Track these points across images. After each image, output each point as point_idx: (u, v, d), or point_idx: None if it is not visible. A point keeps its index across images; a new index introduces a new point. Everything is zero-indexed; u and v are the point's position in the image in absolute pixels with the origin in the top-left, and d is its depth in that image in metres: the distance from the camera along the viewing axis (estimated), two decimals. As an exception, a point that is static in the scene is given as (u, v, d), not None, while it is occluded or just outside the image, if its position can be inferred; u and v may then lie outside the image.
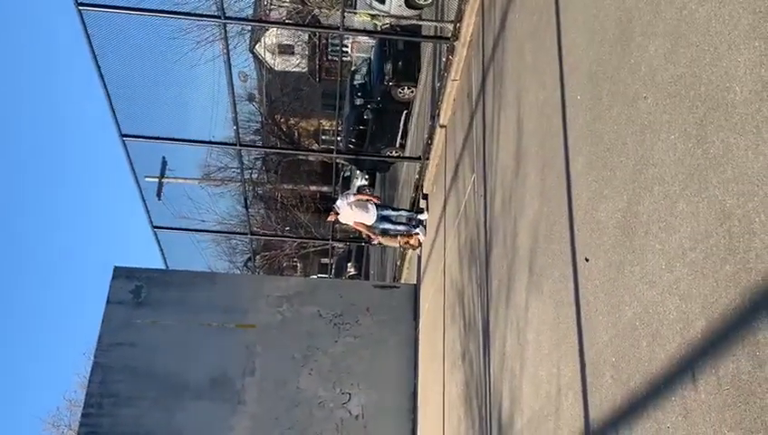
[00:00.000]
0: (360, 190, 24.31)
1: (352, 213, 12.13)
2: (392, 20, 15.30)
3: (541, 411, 5.46)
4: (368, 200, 12.44)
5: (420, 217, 12.66)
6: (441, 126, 11.76)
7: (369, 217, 12.19)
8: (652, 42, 3.96)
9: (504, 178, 7.25)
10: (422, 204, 13.17)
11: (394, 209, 13.21)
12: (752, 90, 3.00)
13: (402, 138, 17.67)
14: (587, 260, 4.65)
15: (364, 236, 13.06)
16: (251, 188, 23.62)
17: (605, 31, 4.69)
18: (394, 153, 17.85)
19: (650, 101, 3.93)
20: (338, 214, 12.18)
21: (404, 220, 12.94)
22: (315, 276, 32.27)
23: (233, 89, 11.79)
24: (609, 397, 4.18)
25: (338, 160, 19.53)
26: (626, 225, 4.11)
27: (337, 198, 12.60)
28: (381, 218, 12.28)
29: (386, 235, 12.91)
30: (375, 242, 13.14)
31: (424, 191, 13.15)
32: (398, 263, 15.68)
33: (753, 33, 3.01)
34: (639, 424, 3.77)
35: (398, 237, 12.94)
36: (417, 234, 12.71)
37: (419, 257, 13.15)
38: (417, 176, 13.32)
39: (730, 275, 3.05)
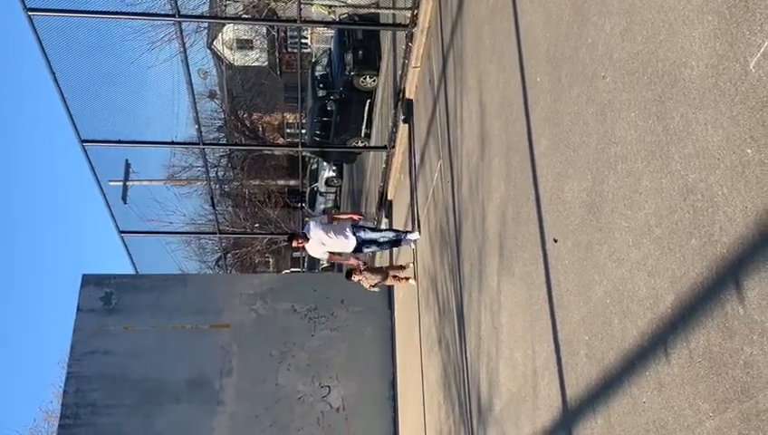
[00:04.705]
0: (328, 182, 24.16)
1: (328, 241, 9.84)
2: (350, 9, 15.22)
3: (518, 393, 5.49)
4: (346, 220, 10.13)
5: (410, 236, 10.48)
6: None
7: (347, 243, 9.94)
8: (608, 20, 3.97)
9: (469, 162, 7.25)
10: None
11: (375, 230, 10.61)
12: (707, 64, 3.01)
13: (367, 127, 17.63)
14: (555, 241, 4.67)
15: (350, 266, 10.80)
16: (217, 186, 23.44)
17: (561, 11, 4.69)
18: (360, 143, 17.81)
19: (609, 79, 3.94)
20: (307, 239, 9.89)
21: (391, 239, 10.57)
22: (288, 271, 32.15)
23: (192, 87, 11.62)
24: (584, 375, 4.21)
25: (304, 154, 19.43)
26: (592, 204, 4.13)
27: (306, 219, 11.10)
28: (363, 243, 10.00)
29: (371, 269, 10.96)
30: (358, 280, 10.71)
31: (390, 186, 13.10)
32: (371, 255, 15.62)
33: (707, 7, 3.03)
34: (616, 400, 3.81)
35: (389, 276, 10.98)
36: (405, 271, 10.99)
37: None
38: (385, 165, 13.29)
39: (696, 249, 3.08)
